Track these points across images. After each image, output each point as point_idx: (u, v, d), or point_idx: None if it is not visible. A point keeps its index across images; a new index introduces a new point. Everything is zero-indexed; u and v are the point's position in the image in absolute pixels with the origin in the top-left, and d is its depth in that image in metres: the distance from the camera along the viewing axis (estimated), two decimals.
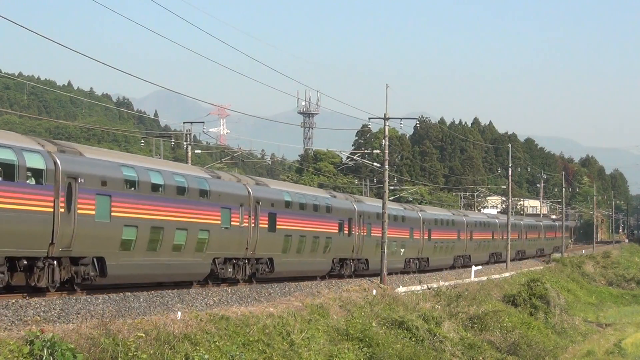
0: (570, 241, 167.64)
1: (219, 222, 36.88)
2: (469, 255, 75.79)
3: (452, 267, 70.57)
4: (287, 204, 43.10)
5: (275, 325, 29.47)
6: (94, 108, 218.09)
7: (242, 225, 38.69)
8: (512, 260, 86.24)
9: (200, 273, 36.42)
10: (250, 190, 39.79)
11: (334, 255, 47.95)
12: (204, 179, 36.72)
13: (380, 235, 51.35)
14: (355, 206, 51.29)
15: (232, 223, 37.98)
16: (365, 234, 51.70)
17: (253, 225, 39.50)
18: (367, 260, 52.18)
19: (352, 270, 50.81)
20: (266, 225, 40.44)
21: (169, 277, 34.98)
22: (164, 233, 32.78)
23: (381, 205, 53.42)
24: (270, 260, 41.18)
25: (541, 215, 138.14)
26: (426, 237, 63.59)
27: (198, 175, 36.63)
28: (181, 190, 34.41)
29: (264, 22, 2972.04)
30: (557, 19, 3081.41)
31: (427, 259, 64.27)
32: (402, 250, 58.27)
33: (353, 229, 50.24)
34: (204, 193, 35.99)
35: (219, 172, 41.01)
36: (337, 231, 48.14)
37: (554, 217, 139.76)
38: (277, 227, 41.42)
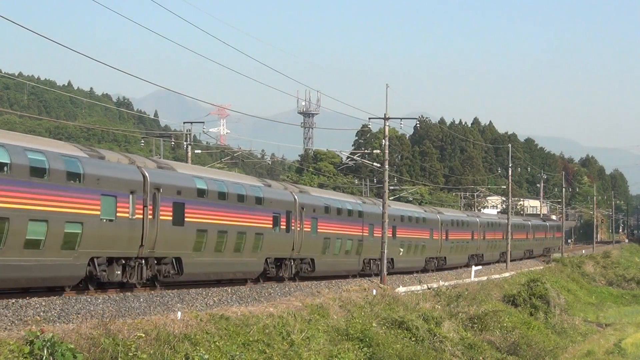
0: (570, 241, 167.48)
1: (98, 212, 30.51)
2: (444, 257, 68.28)
3: (424, 270, 63.21)
4: (201, 193, 36.02)
5: (275, 325, 29.46)
6: (94, 108, 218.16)
7: (134, 217, 32.26)
8: (496, 262, 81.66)
9: (71, 276, 29.95)
10: (146, 174, 33.15)
11: (267, 254, 41.05)
12: (75, 159, 30.09)
13: (330, 231, 46.99)
14: (296, 197, 44.24)
15: (118, 214, 31.44)
16: (309, 229, 45.02)
17: (151, 217, 32.99)
18: (312, 260, 45.73)
19: (293, 272, 44.21)
20: (170, 218, 33.70)
21: (23, 282, 28.65)
22: (9, 226, 26.52)
23: (331, 196, 49.25)
24: (178, 260, 34.57)
25: (541, 215, 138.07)
26: (390, 235, 55.59)
27: (64, 154, 29.91)
28: (37, 172, 27.95)
29: (264, 22, 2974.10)
30: (558, 19, 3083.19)
31: (392, 259, 56.30)
32: (358, 249, 51.37)
33: (293, 224, 43.38)
34: (74, 176, 29.53)
35: (104, 151, 34.28)
36: (270, 226, 41.28)
37: (554, 217, 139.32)
38: (186, 220, 34.65)
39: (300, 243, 43.89)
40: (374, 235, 53.22)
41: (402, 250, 57.51)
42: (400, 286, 49.73)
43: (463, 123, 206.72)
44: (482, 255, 79.29)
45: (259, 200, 40.31)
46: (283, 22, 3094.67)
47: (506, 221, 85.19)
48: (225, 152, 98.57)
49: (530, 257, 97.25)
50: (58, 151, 29.65)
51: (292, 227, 43.27)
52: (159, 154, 79.76)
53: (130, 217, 32.11)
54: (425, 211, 67.59)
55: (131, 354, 21.36)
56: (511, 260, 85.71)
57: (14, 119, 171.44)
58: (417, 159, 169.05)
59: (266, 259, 41.09)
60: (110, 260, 31.61)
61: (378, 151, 73.13)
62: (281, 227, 42.20)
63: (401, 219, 59.62)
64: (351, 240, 50.40)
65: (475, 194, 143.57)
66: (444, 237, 67.81)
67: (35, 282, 29.08)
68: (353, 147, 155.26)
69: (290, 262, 43.73)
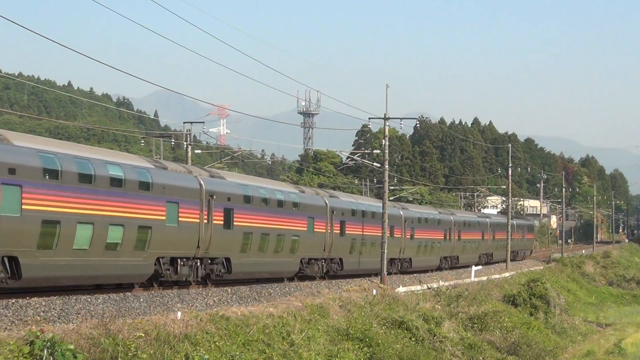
0: (570, 241, 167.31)
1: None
2: (340, 259, 48.95)
3: (298, 275, 44.95)
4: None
5: (275, 325, 29.46)
6: (94, 108, 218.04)
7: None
8: (435, 270, 64.33)
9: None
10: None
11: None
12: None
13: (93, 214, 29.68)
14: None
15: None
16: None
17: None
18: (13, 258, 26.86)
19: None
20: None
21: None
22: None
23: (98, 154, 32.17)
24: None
25: (541, 215, 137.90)
26: (219, 224, 37.25)
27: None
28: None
29: (264, 22, 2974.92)
30: (558, 18, 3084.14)
31: (229, 259, 38.30)
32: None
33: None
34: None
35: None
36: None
37: (554, 217, 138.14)
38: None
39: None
40: (181, 220, 35.05)
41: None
42: (400, 286, 49.71)
43: (463, 123, 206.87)
44: (410, 260, 59.83)
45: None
46: (283, 22, 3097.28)
47: (450, 217, 69.67)
48: (225, 152, 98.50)
49: (488, 262, 78.77)
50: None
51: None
52: (159, 154, 79.75)
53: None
54: (318, 193, 50.44)
55: (131, 354, 21.36)
56: (457, 267, 68.86)
57: (14, 119, 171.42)
58: (417, 159, 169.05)
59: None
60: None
61: (378, 151, 73.00)
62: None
63: (261, 202, 41.55)
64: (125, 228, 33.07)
65: (475, 194, 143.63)
66: (338, 232, 49.15)
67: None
68: (353, 147, 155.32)
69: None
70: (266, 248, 40.39)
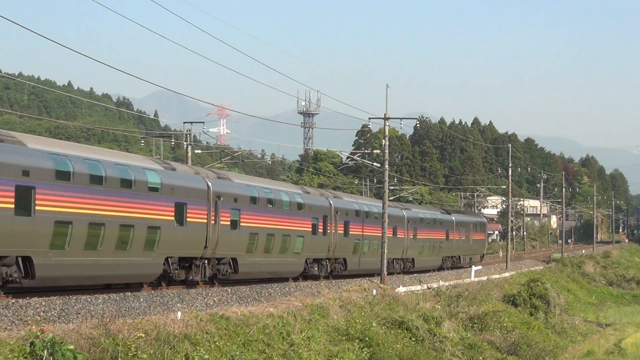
0: (570, 241, 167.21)
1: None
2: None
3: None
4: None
5: (275, 325, 29.44)
6: (94, 108, 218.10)
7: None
8: (303, 278, 43.02)
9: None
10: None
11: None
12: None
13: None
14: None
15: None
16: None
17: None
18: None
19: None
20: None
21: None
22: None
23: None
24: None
25: (541, 215, 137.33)
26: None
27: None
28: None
29: (264, 22, 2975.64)
30: (558, 19, 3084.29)
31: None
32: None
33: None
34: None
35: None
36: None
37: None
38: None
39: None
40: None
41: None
42: (400, 286, 49.70)
43: (463, 123, 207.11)
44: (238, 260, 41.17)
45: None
46: (283, 22, 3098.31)
47: (328, 201, 47.22)
48: (225, 152, 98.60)
49: (408, 271, 58.37)
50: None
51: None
52: (159, 154, 79.78)
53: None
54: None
55: (131, 354, 21.35)
56: (357, 276, 49.11)
57: (14, 119, 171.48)
58: (417, 159, 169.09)
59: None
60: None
61: (378, 151, 73.03)
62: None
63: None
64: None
65: (475, 194, 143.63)
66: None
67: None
68: (353, 147, 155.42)
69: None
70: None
